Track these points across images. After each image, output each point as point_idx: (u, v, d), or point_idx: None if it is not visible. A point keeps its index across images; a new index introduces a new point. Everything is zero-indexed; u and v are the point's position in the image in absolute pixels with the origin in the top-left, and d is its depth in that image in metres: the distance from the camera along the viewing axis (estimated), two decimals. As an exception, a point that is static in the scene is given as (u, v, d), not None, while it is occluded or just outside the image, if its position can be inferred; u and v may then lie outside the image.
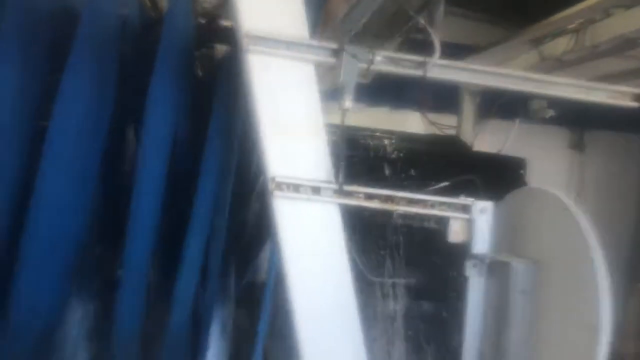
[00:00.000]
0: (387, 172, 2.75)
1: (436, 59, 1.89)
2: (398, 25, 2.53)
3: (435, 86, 2.05)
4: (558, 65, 4.10)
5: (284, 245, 1.89)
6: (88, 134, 2.20)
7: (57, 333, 2.23)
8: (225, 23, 3.48)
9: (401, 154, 2.83)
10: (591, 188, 5.78)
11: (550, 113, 4.40)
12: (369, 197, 1.93)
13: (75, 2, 2.44)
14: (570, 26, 3.72)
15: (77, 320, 2.34)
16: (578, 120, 5.63)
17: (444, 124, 5.24)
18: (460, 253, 1.96)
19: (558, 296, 1.69)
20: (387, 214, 1.94)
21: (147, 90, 2.30)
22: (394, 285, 2.38)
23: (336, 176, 1.91)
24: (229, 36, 3.21)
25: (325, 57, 1.91)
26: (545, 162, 5.12)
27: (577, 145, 5.82)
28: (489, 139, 4.91)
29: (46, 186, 2.09)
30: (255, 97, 1.89)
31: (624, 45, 3.58)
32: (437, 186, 2.11)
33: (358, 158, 2.72)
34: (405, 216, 2.17)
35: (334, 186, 1.89)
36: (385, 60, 1.89)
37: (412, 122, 5.45)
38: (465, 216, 1.92)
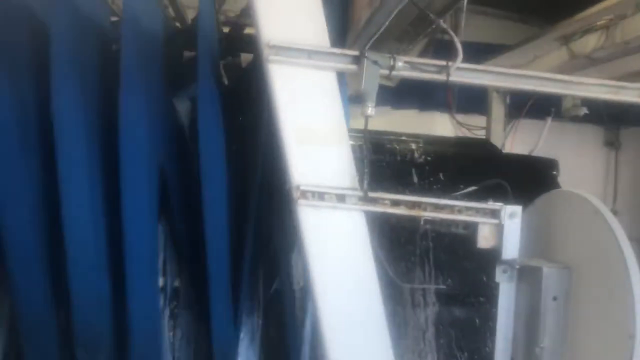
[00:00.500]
0: (415, 177, 2.72)
1: (459, 62, 1.86)
2: (421, 28, 2.50)
3: (463, 87, 2.02)
4: (588, 62, 4.01)
5: (309, 253, 1.89)
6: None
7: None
8: (249, 31, 3.51)
9: (429, 158, 2.79)
10: (628, 186, 5.63)
11: (584, 111, 4.30)
12: (395, 203, 1.91)
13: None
14: (600, 22, 3.63)
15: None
16: (613, 117, 5.50)
17: (473, 125, 5.18)
18: (490, 258, 1.92)
19: (591, 303, 1.64)
20: (415, 220, 1.90)
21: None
22: (423, 292, 2.35)
23: (361, 183, 1.89)
24: (254, 45, 3.23)
25: (346, 64, 1.90)
26: (580, 162, 5.02)
27: (613, 143, 5.68)
28: (520, 140, 4.83)
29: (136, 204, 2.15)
30: (277, 106, 1.89)
31: (657, 40, 3.48)
32: (464, 191, 2.07)
33: (385, 163, 2.70)
34: (434, 222, 2.14)
35: (359, 193, 1.88)
36: (407, 66, 1.87)
37: (441, 124, 5.40)
38: (494, 221, 1.88)
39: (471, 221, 1.90)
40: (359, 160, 1.91)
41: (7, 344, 2.33)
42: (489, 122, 4.76)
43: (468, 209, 1.90)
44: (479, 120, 4.95)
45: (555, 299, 1.71)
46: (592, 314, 1.63)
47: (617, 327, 1.52)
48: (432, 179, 2.74)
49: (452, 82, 1.90)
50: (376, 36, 2.46)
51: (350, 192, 1.88)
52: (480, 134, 4.87)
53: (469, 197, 2.05)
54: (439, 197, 1.93)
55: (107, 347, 2.21)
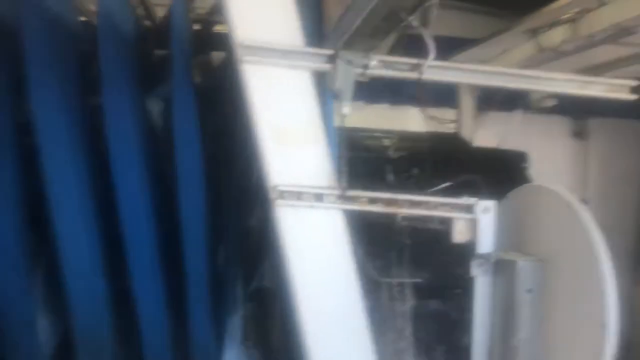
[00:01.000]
0: (389, 172, 2.75)
1: (431, 60, 1.89)
2: (392, 25, 2.51)
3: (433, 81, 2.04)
4: (555, 55, 4.09)
5: (288, 252, 1.89)
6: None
7: None
8: (220, 29, 3.48)
9: (402, 154, 2.82)
10: (595, 176, 5.75)
11: (552, 102, 4.38)
12: (372, 201, 1.93)
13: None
14: (566, 16, 3.70)
15: None
16: (580, 108, 5.60)
17: (444, 118, 5.24)
18: (466, 252, 1.95)
19: (565, 294, 1.68)
20: (393, 216, 1.93)
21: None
22: (402, 287, 2.38)
23: (338, 181, 1.91)
24: (225, 42, 3.21)
25: (320, 63, 1.90)
26: (549, 152, 5.11)
27: (581, 134, 5.79)
28: (490, 132, 4.90)
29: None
30: (253, 107, 1.89)
31: (620, 33, 3.56)
32: (439, 187, 2.10)
33: (360, 159, 2.72)
34: (411, 217, 2.17)
35: (337, 192, 1.89)
36: (380, 65, 1.89)
37: (412, 118, 5.43)
38: (469, 216, 1.91)
39: (446, 217, 1.93)
40: (337, 158, 1.93)
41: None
42: (459, 115, 4.82)
43: (443, 204, 1.93)
44: (449, 113, 5.01)
45: (530, 291, 1.75)
46: (566, 305, 1.68)
47: (590, 317, 1.57)
48: (406, 174, 2.78)
49: (425, 80, 1.93)
50: (347, 35, 2.47)
51: (327, 191, 1.89)
52: (451, 127, 4.93)
53: (444, 192, 2.09)
54: (413, 191, 1.95)
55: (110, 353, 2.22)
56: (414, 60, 1.89)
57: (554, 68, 4.82)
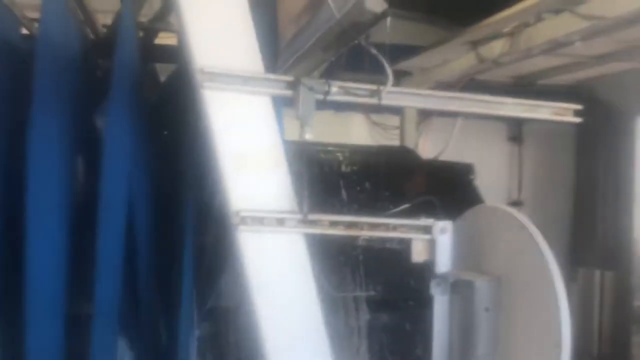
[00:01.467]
0: (342, 187, 2.79)
1: (389, 86, 1.93)
2: (346, 40, 2.56)
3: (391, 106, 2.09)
4: (494, 65, 4.26)
5: (250, 276, 1.90)
6: None
7: None
8: (163, 39, 3.41)
9: (355, 168, 2.87)
10: (530, 178, 6.03)
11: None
12: (333, 224, 1.96)
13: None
14: (506, 30, 3.86)
15: None
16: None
17: (387, 124, 5.36)
18: (426, 270, 2.02)
19: (521, 312, 1.77)
20: (353, 237, 1.97)
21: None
22: (362, 305, 2.43)
23: (300, 206, 1.92)
24: (169, 54, 3.15)
25: (281, 89, 1.91)
26: (487, 156, 5.30)
27: (516, 138, 6.06)
28: (432, 138, 5.05)
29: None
30: (213, 133, 1.88)
31: (555, 47, 3.75)
32: (398, 209, 2.16)
33: (313, 175, 2.74)
34: (371, 238, 2.22)
35: (298, 216, 1.91)
36: (341, 91, 1.92)
37: (356, 124, 5.54)
38: (427, 237, 1.97)
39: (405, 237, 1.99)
40: (298, 182, 1.94)
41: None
42: (402, 122, 4.94)
43: (402, 226, 1.98)
44: (392, 119, 5.12)
45: (487, 310, 1.82)
46: (522, 323, 1.76)
47: (545, 336, 1.66)
48: (358, 188, 2.82)
49: (384, 105, 1.97)
50: (300, 52, 2.50)
51: (289, 216, 1.90)
52: (395, 133, 5.04)
53: (402, 211, 2.14)
54: (367, 207, 2.00)
55: None
56: (373, 87, 1.93)
57: (491, 76, 5.03)
